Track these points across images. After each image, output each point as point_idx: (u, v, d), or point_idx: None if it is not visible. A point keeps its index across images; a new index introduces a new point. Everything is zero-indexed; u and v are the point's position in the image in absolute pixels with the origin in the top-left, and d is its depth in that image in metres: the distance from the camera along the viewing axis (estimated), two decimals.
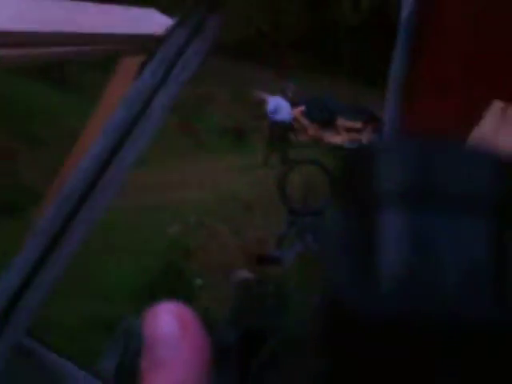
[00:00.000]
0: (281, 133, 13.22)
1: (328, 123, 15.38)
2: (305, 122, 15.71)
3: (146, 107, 2.11)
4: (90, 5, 2.66)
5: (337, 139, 15.11)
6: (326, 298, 0.27)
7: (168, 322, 0.32)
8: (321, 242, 0.31)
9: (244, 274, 5.12)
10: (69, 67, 14.31)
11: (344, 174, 0.30)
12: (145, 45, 2.39)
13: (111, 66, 2.87)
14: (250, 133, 15.49)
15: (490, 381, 0.26)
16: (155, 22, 2.55)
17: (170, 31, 2.22)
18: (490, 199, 0.27)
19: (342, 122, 15.45)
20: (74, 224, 2.08)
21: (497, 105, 2.91)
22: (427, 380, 0.26)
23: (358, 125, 15.24)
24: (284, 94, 13.64)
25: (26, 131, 11.27)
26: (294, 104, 15.97)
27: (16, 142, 10.71)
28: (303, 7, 21.08)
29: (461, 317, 0.25)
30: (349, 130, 15.29)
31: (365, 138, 14.74)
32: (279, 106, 13.33)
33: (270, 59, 19.23)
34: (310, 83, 15.76)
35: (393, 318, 0.26)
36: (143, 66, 2.26)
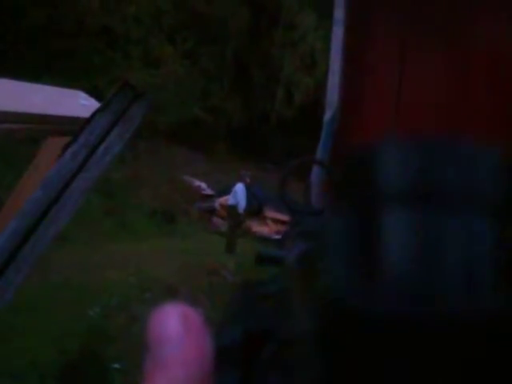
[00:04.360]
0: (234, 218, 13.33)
1: (256, 213, 15.34)
2: None
3: (65, 189, 2.10)
4: (19, 83, 2.66)
5: (264, 230, 15.00)
6: (326, 297, 0.27)
7: (172, 323, 0.32)
8: (322, 242, 0.32)
9: None
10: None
11: (345, 174, 0.31)
12: (69, 126, 2.39)
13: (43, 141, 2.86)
14: (178, 217, 15.43)
15: (490, 377, 0.26)
16: (81, 104, 2.56)
17: (94, 115, 2.22)
18: (491, 197, 0.28)
19: (269, 212, 15.43)
20: None
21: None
22: (428, 378, 0.26)
23: (286, 217, 15.13)
24: (243, 181, 13.71)
25: None
26: (221, 192, 16.00)
27: None
28: (238, 97, 21.45)
29: (461, 316, 0.26)
30: (276, 221, 15.14)
31: None
32: (237, 192, 13.42)
33: (202, 145, 19.40)
34: (239, 171, 15.85)
35: (393, 317, 0.26)
36: (66, 147, 2.25)
